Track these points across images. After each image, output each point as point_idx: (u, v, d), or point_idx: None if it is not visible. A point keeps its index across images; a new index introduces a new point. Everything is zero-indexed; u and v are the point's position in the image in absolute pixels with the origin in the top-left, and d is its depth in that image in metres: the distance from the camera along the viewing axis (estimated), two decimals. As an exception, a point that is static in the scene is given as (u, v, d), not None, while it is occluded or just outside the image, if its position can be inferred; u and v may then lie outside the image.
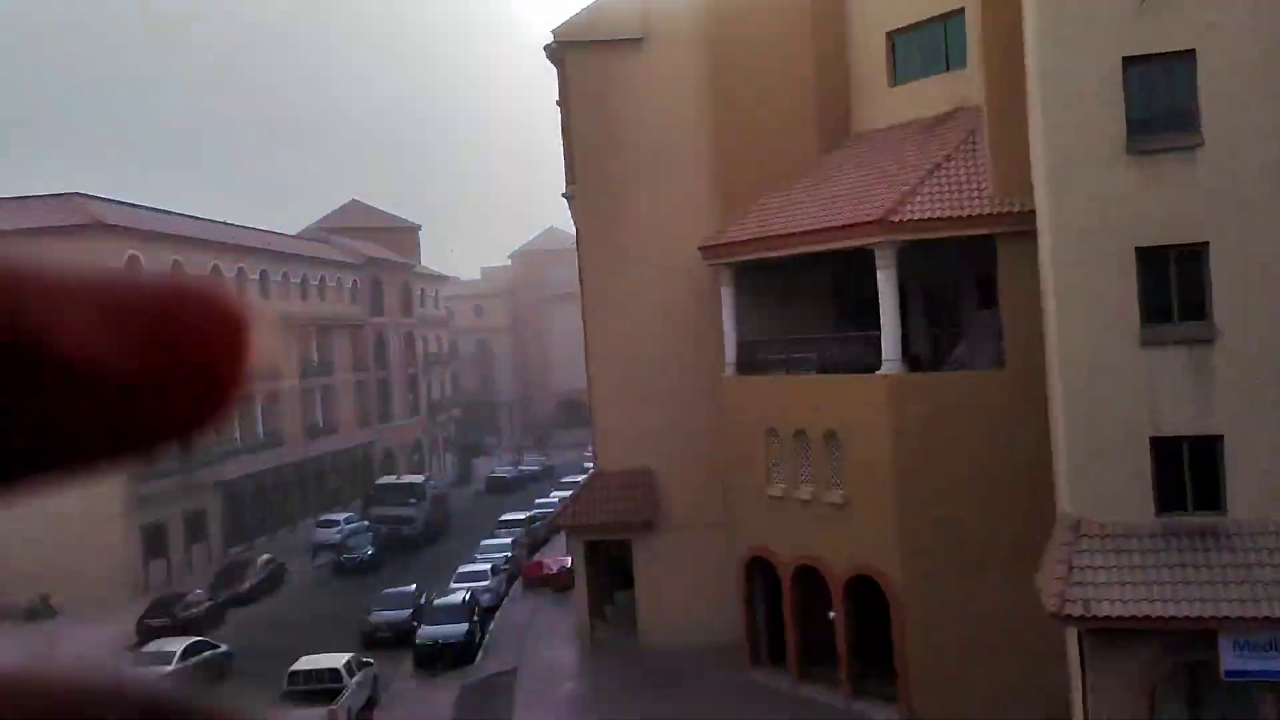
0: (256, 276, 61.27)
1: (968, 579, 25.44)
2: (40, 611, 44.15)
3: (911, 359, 27.34)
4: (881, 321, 26.51)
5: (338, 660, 30.87)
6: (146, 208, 54.90)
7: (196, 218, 59.70)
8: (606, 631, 35.92)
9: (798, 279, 31.83)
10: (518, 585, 45.76)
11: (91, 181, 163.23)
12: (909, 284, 28.51)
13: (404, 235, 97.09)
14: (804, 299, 32.28)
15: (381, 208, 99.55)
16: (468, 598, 38.15)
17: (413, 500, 58.67)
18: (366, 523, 58.82)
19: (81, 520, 46.02)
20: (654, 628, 34.08)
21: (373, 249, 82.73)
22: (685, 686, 30.12)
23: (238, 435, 57.79)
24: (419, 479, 62.45)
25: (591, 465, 37.73)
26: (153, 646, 34.49)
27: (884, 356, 26.41)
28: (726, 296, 31.33)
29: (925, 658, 25.83)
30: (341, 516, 60.38)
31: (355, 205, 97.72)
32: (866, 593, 27.43)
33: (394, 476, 67.20)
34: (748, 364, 31.02)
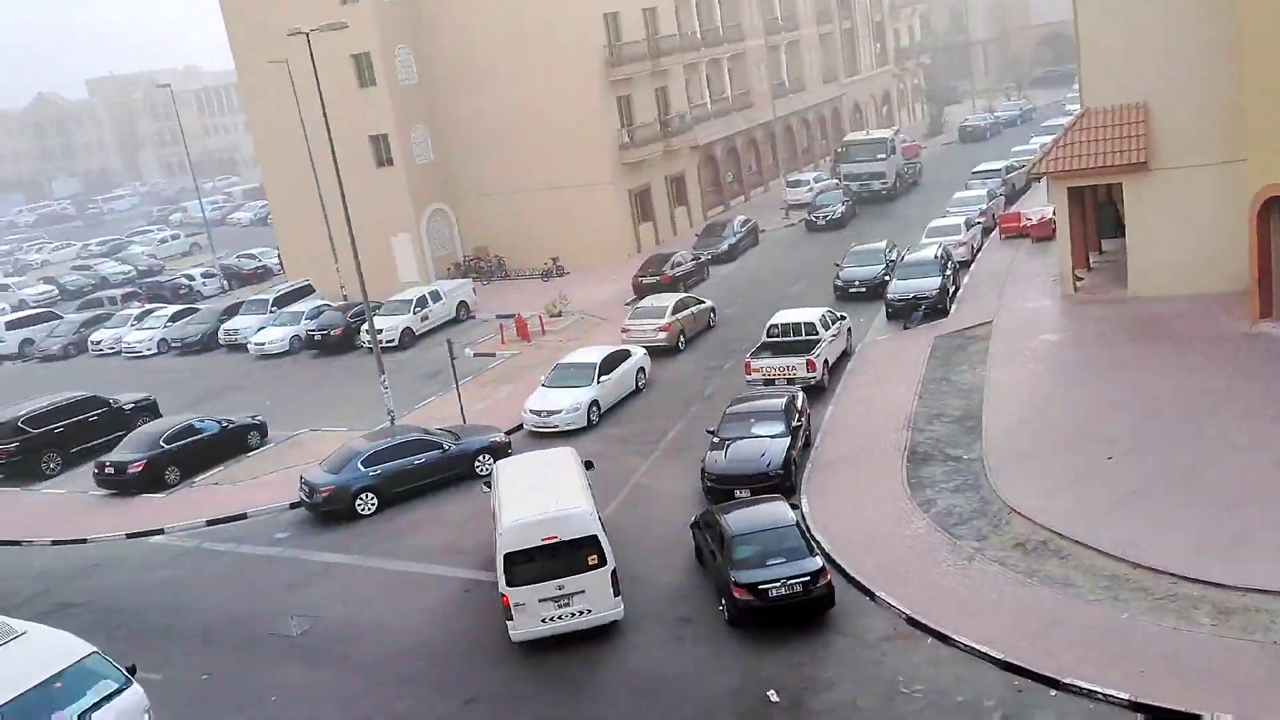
0: (714, -66, 60.17)
1: None
2: (551, 272, 49.90)
3: None
4: None
5: (813, 314, 31.94)
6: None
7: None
8: (1090, 282, 33.83)
9: None
10: (993, 237, 44.05)
11: None
12: None
13: None
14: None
15: None
16: (940, 252, 37.35)
17: (881, 155, 57.54)
18: (835, 180, 58.92)
19: (580, 190, 50.51)
20: (1144, 277, 31.48)
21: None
22: (1176, 338, 27.86)
23: (709, 100, 59.28)
24: (888, 132, 60.79)
25: (1077, 105, 34.20)
26: (646, 302, 37.79)
27: None
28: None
29: None
30: (811, 175, 60.97)
31: None
32: None
33: (862, 132, 66.01)
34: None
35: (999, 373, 28.29)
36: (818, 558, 18.59)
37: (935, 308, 34.77)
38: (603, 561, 18.55)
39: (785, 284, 42.40)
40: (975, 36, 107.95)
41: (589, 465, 22.51)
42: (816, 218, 52.33)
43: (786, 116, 66.42)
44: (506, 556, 18.40)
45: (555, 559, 18.40)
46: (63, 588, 24.81)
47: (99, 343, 49.19)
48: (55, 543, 27.63)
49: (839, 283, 39.24)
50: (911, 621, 17.85)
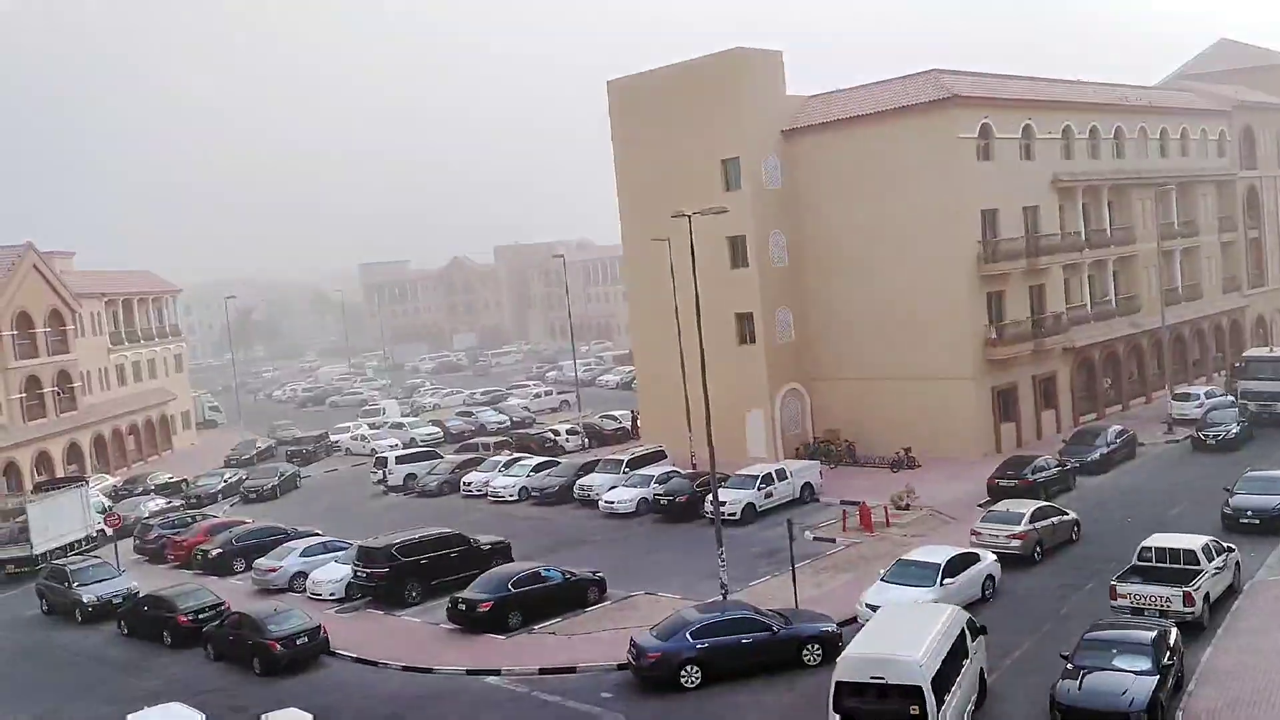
0: (1111, 134, 58.43)
1: None
2: (901, 463, 48.42)
3: None
4: None
5: (1194, 542, 28.68)
6: (996, 75, 55.13)
7: (1045, 79, 58.55)
8: None
9: None
10: None
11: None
12: None
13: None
14: None
15: (1257, 44, 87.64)
16: (1358, 488, 32.69)
17: (1288, 374, 51.87)
18: (1231, 397, 53.70)
19: (940, 383, 49.27)
20: None
21: (1244, 92, 73.43)
22: None
23: (1089, 302, 56.50)
24: (1298, 350, 54.88)
25: None
26: (1001, 506, 35.61)
27: None
28: None
29: None
30: (1202, 389, 55.94)
31: (1226, 45, 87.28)
32: None
33: (1266, 348, 60.09)
34: None
35: None
36: (1185, 827, 16.09)
37: (1350, 553, 30.20)
38: (923, 715, 19.17)
39: (1163, 505, 38.58)
40: None
41: (982, 630, 23.31)
42: (1206, 436, 47.66)
43: (1177, 325, 61.75)
44: (836, 683, 19.93)
45: (881, 698, 19.60)
46: (406, 713, 26.26)
47: (469, 484, 53.25)
48: (405, 668, 29.46)
49: (1228, 510, 35.15)
50: None
